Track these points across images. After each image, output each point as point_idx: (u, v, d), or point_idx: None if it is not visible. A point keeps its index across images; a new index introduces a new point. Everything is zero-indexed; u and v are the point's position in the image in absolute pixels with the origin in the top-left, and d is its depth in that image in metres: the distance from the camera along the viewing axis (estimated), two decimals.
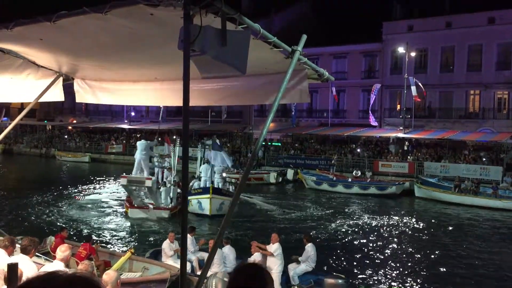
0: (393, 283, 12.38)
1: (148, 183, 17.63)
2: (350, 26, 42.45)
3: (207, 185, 20.42)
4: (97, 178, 31.39)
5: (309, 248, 10.89)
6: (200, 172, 21.94)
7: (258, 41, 3.43)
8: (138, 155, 19.13)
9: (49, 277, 1.15)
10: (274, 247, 10.43)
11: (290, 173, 35.37)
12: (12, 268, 3.70)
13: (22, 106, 58.07)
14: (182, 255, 2.94)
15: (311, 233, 17.33)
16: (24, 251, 5.87)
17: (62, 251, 6.05)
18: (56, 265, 5.91)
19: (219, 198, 19.54)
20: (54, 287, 1.12)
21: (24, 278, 4.88)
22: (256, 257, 10.41)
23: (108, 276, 5.52)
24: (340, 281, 10.35)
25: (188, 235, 11.89)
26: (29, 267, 5.65)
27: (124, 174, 18.88)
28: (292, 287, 10.32)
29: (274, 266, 10.16)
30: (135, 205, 19.27)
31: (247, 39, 3.06)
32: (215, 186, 20.53)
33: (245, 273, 2.04)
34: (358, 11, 43.32)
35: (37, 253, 7.45)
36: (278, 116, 45.04)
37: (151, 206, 19.14)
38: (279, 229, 17.09)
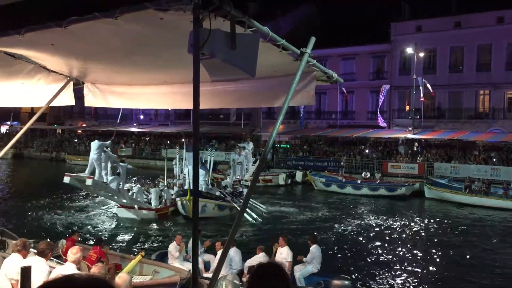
0: (401, 286, 12.32)
1: (88, 181, 17.61)
2: (357, 27, 42.33)
3: (186, 187, 20.84)
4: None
5: (314, 249, 10.94)
6: (184, 175, 22.21)
7: (267, 44, 3.45)
8: (91, 155, 19.36)
9: (67, 279, 1.17)
10: (284, 251, 10.45)
11: (299, 175, 35.32)
12: (25, 271, 3.74)
13: (32, 110, 58.58)
14: (193, 258, 2.95)
15: (319, 235, 17.35)
16: (41, 254, 5.99)
17: (74, 253, 6.10)
18: (68, 267, 5.96)
19: (201, 201, 19.46)
20: None
21: (35, 280, 4.94)
22: (260, 258, 10.44)
23: (121, 279, 5.55)
24: (346, 282, 10.33)
25: None
26: (44, 270, 5.76)
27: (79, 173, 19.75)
28: None
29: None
30: (120, 205, 19.79)
31: (256, 42, 3.08)
32: (202, 189, 20.74)
33: (268, 272, 2.07)
34: (366, 12, 43.21)
35: None
36: (287, 118, 45.00)
37: (136, 206, 19.50)
38: (286, 230, 17.07)
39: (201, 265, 11.33)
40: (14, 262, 6.18)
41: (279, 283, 2.01)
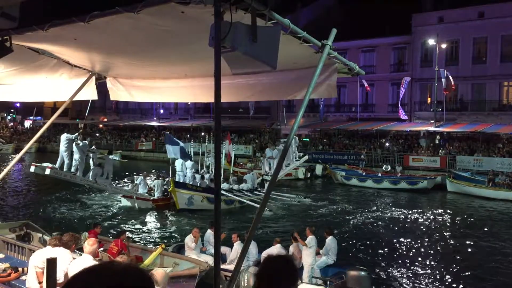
0: (419, 279, 12.20)
1: (47, 171, 18.66)
2: (378, 18, 41.80)
3: (180, 180, 21.08)
4: (128, 175, 31.88)
5: (330, 241, 11.11)
6: (176, 167, 22.57)
7: (288, 36, 3.43)
8: (60, 147, 20.34)
9: (105, 267, 1.19)
10: (307, 240, 10.57)
11: (318, 169, 35.16)
12: (51, 263, 3.81)
13: (55, 105, 59.59)
14: (215, 250, 2.97)
15: (339, 227, 17.33)
16: (66, 245, 6.17)
17: (90, 244, 6.25)
18: (85, 258, 6.09)
19: (183, 192, 19.59)
20: (109, 276, 1.16)
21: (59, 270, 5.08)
22: (277, 249, 10.53)
23: (159, 275, 5.63)
24: (362, 273, 10.36)
25: (209, 230, 12.07)
26: (67, 260, 5.94)
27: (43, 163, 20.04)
28: (314, 279, 10.34)
29: (307, 258, 10.24)
30: (123, 195, 21.16)
31: (277, 35, 3.06)
32: (187, 181, 21.00)
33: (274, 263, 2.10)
34: (386, 3, 42.54)
35: None
36: (306, 111, 44.72)
37: (134, 196, 20.58)
38: (306, 223, 17.05)
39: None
40: (41, 252, 6.39)
41: (287, 276, 2.05)
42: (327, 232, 11.42)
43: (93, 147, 23.03)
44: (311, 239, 10.60)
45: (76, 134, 20.91)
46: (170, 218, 19.43)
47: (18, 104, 65.33)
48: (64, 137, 20.25)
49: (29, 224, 12.29)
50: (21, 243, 10.11)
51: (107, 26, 3.36)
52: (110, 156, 21.09)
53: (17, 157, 7.20)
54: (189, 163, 22.17)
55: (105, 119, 62.52)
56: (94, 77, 5.73)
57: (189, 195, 19.60)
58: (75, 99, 6.04)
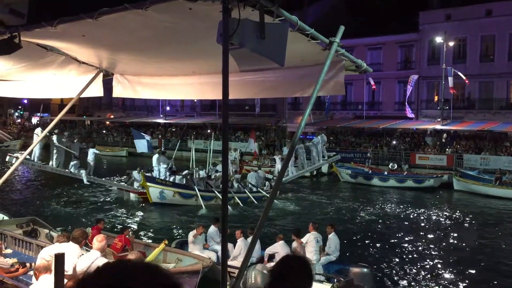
0: (423, 277, 12.17)
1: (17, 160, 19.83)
2: (385, 16, 41.60)
3: (156, 175, 21.74)
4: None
5: (332, 237, 11.15)
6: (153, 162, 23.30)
7: (295, 33, 3.43)
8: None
9: (121, 264, 1.20)
10: (305, 237, 10.63)
11: (324, 166, 35.03)
12: (59, 258, 3.84)
13: (62, 102, 59.87)
14: (222, 247, 2.98)
15: (343, 225, 17.30)
16: (76, 240, 6.26)
17: (99, 241, 6.30)
18: (93, 254, 6.15)
19: (154, 186, 19.96)
20: (127, 273, 1.16)
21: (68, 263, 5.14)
22: (280, 245, 10.54)
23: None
24: (365, 270, 10.41)
25: (212, 226, 12.12)
26: (76, 255, 6.04)
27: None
28: (318, 276, 10.36)
29: (310, 255, 10.25)
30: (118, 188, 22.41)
31: (285, 32, 3.06)
32: (161, 176, 21.59)
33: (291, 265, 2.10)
34: (393, 0, 42.33)
35: None
36: (312, 109, 44.45)
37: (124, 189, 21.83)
38: (310, 220, 17.02)
39: (220, 253, 11.47)
40: (50, 248, 6.48)
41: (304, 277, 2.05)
42: (330, 228, 11.44)
43: (75, 141, 23.87)
44: (308, 236, 10.66)
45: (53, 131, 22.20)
46: (153, 211, 19.95)
47: (25, 101, 65.68)
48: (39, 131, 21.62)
49: (36, 220, 12.38)
50: (28, 239, 10.20)
51: (115, 22, 3.37)
52: (91, 150, 22.12)
53: (25, 153, 7.27)
54: (162, 158, 23.03)
55: (112, 116, 62.70)
56: (101, 74, 5.75)
57: (160, 189, 20.02)
58: (82, 95, 6.06)
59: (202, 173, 22.79)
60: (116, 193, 22.57)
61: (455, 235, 17.18)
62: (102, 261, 5.63)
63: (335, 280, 9.50)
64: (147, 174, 21.20)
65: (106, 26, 3.45)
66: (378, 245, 15.18)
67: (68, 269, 5.48)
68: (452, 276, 12.28)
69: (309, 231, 10.85)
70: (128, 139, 51.51)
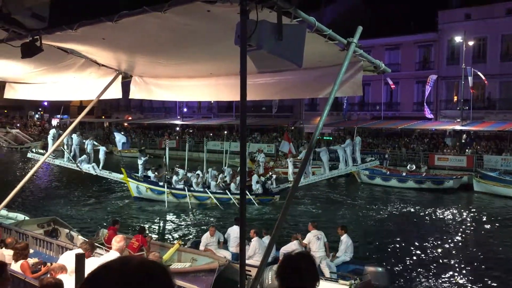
0: (444, 280, 12.00)
1: (29, 154, 23.74)
2: (403, 16, 41.21)
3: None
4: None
5: (345, 239, 11.25)
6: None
7: (313, 34, 3.42)
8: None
9: (124, 261, 1.21)
10: (306, 238, 10.78)
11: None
12: (80, 258, 3.89)
13: (81, 104, 60.58)
14: (240, 247, 2.99)
15: (360, 226, 17.18)
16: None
17: (118, 241, 6.37)
18: (112, 255, 6.21)
19: (131, 181, 21.51)
20: (129, 270, 1.17)
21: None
22: (295, 245, 10.60)
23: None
24: (380, 269, 10.42)
25: (234, 226, 12.12)
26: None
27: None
28: (334, 275, 10.35)
29: (313, 253, 10.26)
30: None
31: (303, 33, 3.06)
32: (139, 172, 22.39)
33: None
34: (411, 0, 41.92)
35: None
36: (330, 110, 44.32)
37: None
38: (327, 220, 16.98)
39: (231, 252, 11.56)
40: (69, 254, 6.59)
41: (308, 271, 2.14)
42: (341, 230, 11.52)
43: (89, 139, 24.96)
44: (309, 235, 10.80)
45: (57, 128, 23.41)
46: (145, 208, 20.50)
47: (45, 103, 66.69)
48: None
49: (56, 220, 12.56)
50: (49, 239, 10.34)
51: (134, 25, 3.41)
52: (101, 148, 24.29)
53: (46, 155, 7.38)
54: (140, 155, 24.17)
55: (130, 118, 63.28)
56: (120, 76, 5.82)
57: (136, 185, 21.45)
58: (101, 97, 6.14)
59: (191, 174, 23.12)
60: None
61: (474, 237, 16.91)
62: None
63: (352, 279, 9.47)
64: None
65: (126, 29, 3.49)
66: (396, 246, 15.03)
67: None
68: (470, 279, 12.09)
69: (309, 230, 10.97)
70: (146, 140, 52.05)
